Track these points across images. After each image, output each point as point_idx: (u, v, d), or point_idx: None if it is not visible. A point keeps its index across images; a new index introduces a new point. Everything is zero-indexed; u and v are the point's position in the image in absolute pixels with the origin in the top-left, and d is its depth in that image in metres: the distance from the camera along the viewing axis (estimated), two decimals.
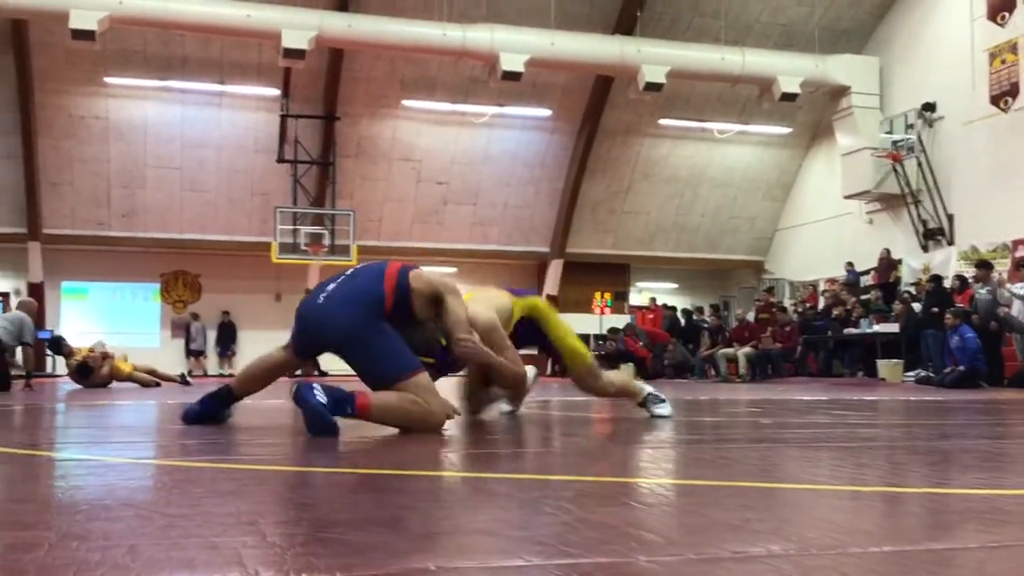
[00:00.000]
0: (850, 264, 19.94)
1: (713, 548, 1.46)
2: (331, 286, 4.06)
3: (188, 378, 13.10)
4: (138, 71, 19.91)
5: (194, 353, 22.91)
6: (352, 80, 20.64)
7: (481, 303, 4.43)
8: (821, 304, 19.75)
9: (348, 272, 4.19)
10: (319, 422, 3.61)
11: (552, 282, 23.26)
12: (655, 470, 2.75)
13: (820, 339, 17.39)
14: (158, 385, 11.95)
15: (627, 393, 5.02)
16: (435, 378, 4.12)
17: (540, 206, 23.22)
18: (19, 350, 11.07)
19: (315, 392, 3.65)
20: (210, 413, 4.27)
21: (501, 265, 23.69)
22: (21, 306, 11.77)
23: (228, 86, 20.45)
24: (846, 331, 16.63)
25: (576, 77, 21.18)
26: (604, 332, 21.19)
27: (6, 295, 21.24)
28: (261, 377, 4.30)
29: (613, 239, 23.95)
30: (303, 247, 20.20)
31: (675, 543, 1.52)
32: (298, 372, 20.73)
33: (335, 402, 3.68)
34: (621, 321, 22.42)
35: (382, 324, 3.91)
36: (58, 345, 12.45)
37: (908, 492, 2.20)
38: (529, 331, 4.84)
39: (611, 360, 19.97)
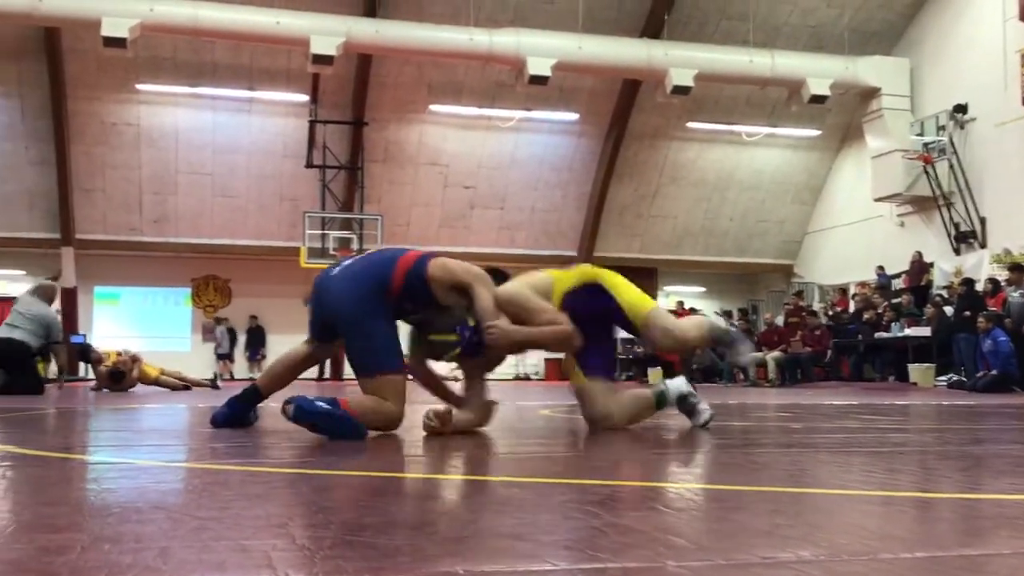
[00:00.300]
0: (881, 268, 19.78)
1: (743, 553, 1.46)
2: (348, 261, 4.14)
3: (218, 382, 13.15)
4: (169, 78, 20.12)
5: (220, 357, 23.08)
6: (380, 85, 20.74)
7: (510, 283, 4.22)
8: (851, 308, 19.61)
9: (371, 251, 4.26)
10: (344, 426, 3.66)
11: None
12: (684, 475, 2.74)
13: (851, 343, 17.25)
14: (188, 389, 12.01)
15: (698, 342, 4.51)
16: (461, 359, 4.11)
17: (567, 210, 23.21)
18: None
19: (317, 402, 3.67)
20: (238, 415, 4.29)
21: (528, 269, 23.66)
22: (40, 292, 10.79)
23: (258, 92, 20.61)
24: (877, 335, 16.48)
25: (603, 81, 21.17)
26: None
27: None
28: (286, 373, 4.31)
29: (640, 243, 23.89)
30: (331, 252, 20.30)
31: (704, 548, 1.51)
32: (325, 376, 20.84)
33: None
34: None
35: (381, 311, 3.93)
36: (86, 353, 12.36)
37: (940, 497, 2.18)
38: (595, 299, 4.29)
39: (640, 364, 19.91)
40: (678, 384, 4.47)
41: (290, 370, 4.31)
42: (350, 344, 4.01)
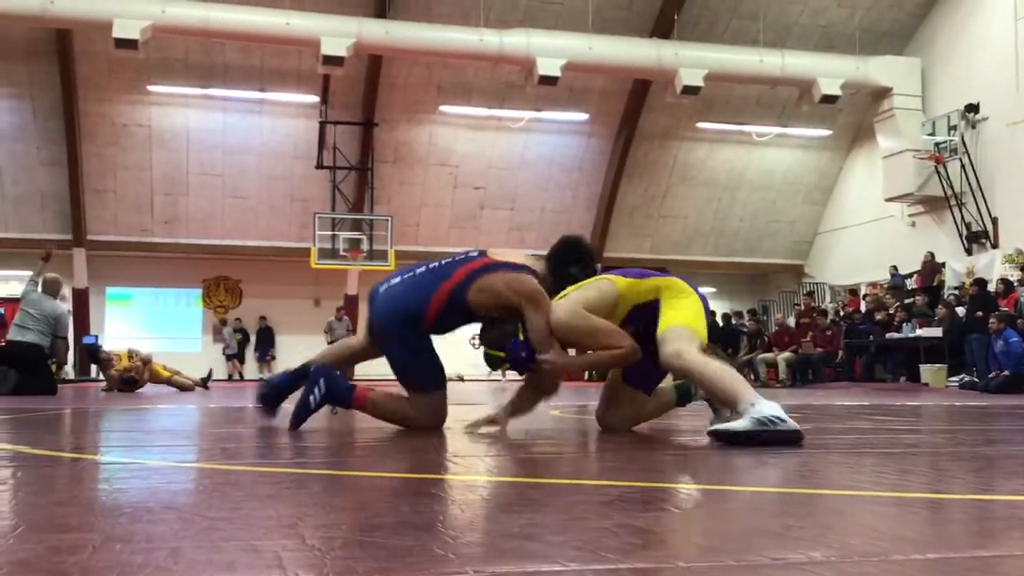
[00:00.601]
0: (895, 267, 19.68)
1: (753, 554, 1.45)
2: (395, 280, 4.16)
3: (208, 382, 12.98)
4: (180, 79, 20.19)
5: (229, 357, 23.14)
6: (390, 86, 20.76)
7: (565, 300, 3.98)
8: (863, 308, 19.54)
9: (421, 268, 4.17)
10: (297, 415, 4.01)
11: None
12: (694, 475, 2.73)
13: (862, 343, 17.19)
14: (192, 389, 12.00)
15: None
16: (512, 369, 4.11)
17: (577, 210, 23.20)
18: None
19: (316, 393, 4.00)
20: (286, 387, 4.35)
21: None
22: (46, 288, 10.63)
23: (268, 93, 20.66)
24: (888, 335, 16.42)
25: (613, 81, 21.15)
26: None
27: None
28: (343, 361, 4.46)
29: (651, 243, 23.87)
30: (342, 252, 20.34)
31: (715, 549, 1.51)
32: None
33: (337, 395, 4.08)
34: None
35: (412, 337, 4.05)
36: (95, 354, 12.17)
37: (952, 499, 2.17)
38: (655, 315, 3.93)
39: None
40: None
41: (346, 359, 4.48)
42: (392, 365, 4.17)
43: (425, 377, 4.12)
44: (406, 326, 4.01)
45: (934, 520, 1.93)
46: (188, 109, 20.90)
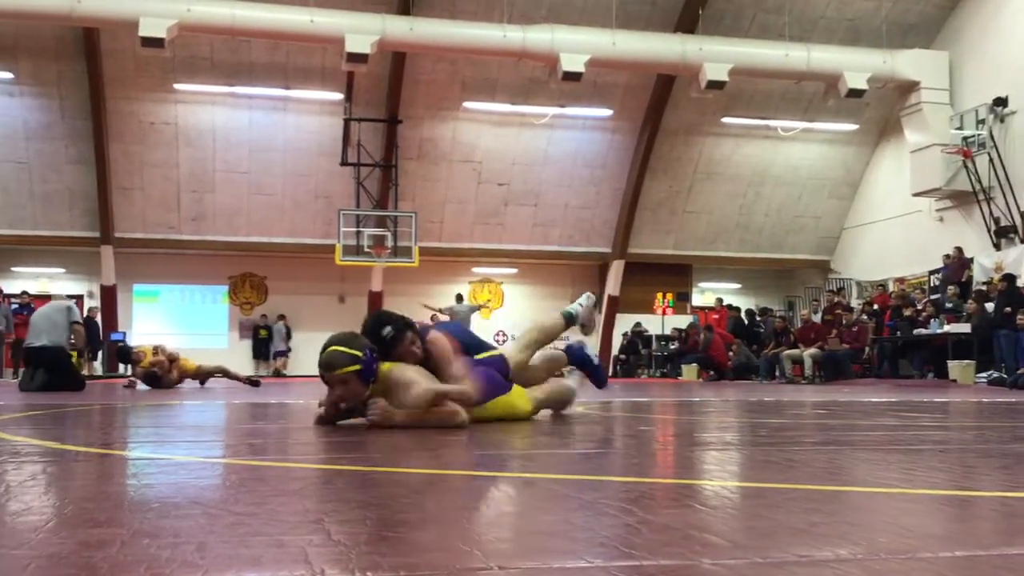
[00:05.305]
0: (947, 256, 19.29)
1: (779, 551, 1.45)
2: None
3: (257, 378, 13.03)
4: (206, 77, 20.32)
5: (272, 354, 23.26)
6: (414, 83, 20.80)
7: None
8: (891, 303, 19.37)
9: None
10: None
11: (613, 282, 23.22)
12: (719, 472, 2.72)
13: (889, 340, 17.05)
14: (255, 383, 11.93)
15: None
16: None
17: (601, 206, 23.15)
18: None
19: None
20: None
21: (562, 266, 23.76)
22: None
23: (293, 91, 20.75)
24: (916, 331, 16.29)
25: (637, 76, 21.09)
26: (667, 332, 21.17)
27: (80, 297, 21.78)
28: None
29: (675, 239, 23.79)
30: (366, 249, 20.40)
31: (740, 546, 1.50)
32: None
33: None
34: (683, 322, 22.33)
35: None
36: (126, 355, 12.18)
37: (980, 496, 2.15)
38: None
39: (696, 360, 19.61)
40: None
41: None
42: None
43: None
44: None
45: (962, 517, 1.91)
46: (214, 107, 21.04)
